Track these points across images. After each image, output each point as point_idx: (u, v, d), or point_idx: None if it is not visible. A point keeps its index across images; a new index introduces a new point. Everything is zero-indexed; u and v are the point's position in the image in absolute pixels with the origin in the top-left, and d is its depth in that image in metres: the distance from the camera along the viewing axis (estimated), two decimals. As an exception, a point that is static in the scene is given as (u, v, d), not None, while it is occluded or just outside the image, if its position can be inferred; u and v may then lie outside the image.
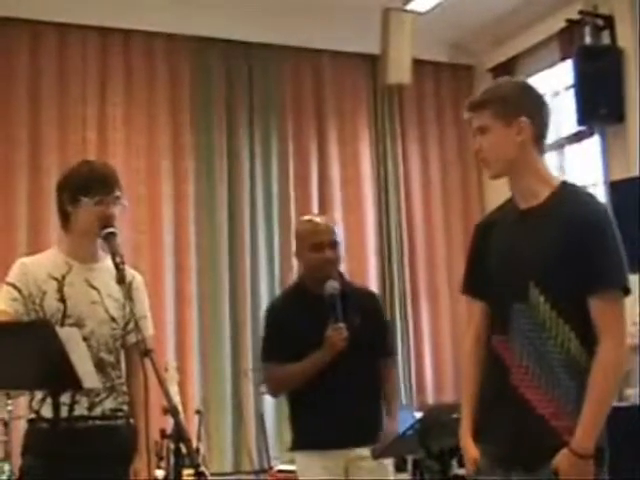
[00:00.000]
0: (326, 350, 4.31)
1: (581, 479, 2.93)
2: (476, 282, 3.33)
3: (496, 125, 3.15)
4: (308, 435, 4.45)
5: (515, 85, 3.35)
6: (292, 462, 4.80)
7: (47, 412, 3.51)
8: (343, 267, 8.66)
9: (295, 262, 8.74)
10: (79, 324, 3.58)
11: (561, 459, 2.94)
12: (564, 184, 3.20)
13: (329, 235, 4.49)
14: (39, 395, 3.62)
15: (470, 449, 3.23)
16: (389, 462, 4.49)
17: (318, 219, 4.69)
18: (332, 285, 4.39)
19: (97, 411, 3.63)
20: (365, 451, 4.27)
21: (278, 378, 4.55)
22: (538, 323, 3.05)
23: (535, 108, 3.21)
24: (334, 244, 4.47)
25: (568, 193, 3.15)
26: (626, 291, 3.04)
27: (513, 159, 3.15)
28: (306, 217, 4.89)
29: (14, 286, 3.65)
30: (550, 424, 3.00)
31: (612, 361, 2.97)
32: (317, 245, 4.45)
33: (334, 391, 4.31)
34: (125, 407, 3.73)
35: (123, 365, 3.82)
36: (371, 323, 4.47)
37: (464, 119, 3.30)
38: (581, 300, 3.00)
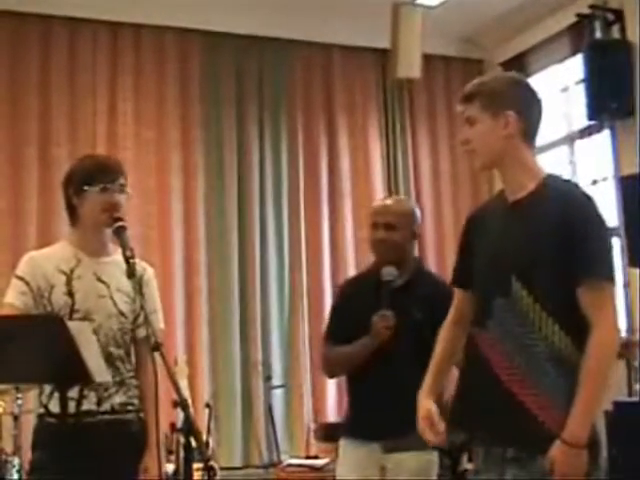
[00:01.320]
0: (371, 337, 4.26)
1: (575, 470, 2.91)
2: (466, 274, 3.33)
3: (483, 117, 3.16)
4: (353, 423, 4.45)
5: (505, 79, 3.37)
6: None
7: (55, 407, 3.51)
8: (352, 259, 8.83)
9: (304, 255, 8.82)
10: (87, 318, 3.58)
11: (555, 451, 2.92)
12: (549, 176, 3.20)
13: (383, 216, 4.43)
14: (47, 390, 3.63)
15: (425, 404, 3.30)
16: (433, 472, 4.38)
17: (386, 200, 4.75)
18: (388, 271, 4.33)
19: (106, 406, 3.62)
20: (410, 459, 4.21)
21: (328, 359, 4.57)
22: (521, 317, 3.04)
23: (524, 103, 3.21)
24: (388, 226, 4.38)
25: (552, 185, 3.15)
26: (612, 280, 3.04)
27: (499, 151, 3.16)
28: (378, 199, 4.90)
29: (23, 280, 3.66)
30: (539, 418, 2.98)
31: (604, 350, 2.96)
32: (372, 225, 4.46)
33: (384, 384, 4.26)
34: (135, 401, 3.73)
35: (133, 359, 3.83)
36: (435, 314, 4.37)
37: (457, 112, 3.32)
38: (565, 291, 2.99)
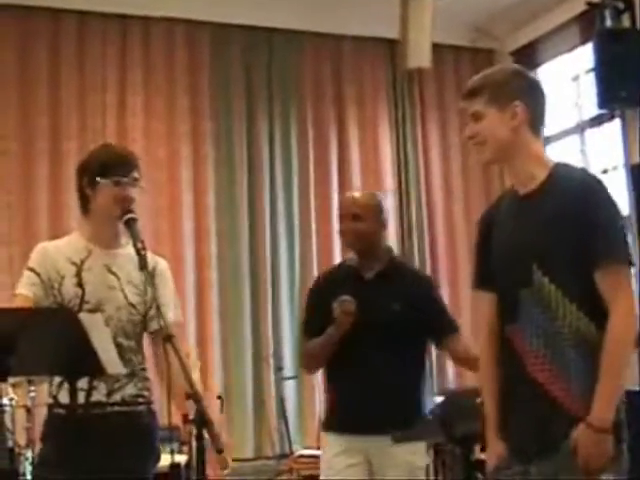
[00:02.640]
0: (334, 326, 4.25)
1: (600, 453, 2.92)
2: (486, 275, 3.33)
3: (490, 111, 3.16)
4: (332, 417, 4.45)
5: (508, 70, 3.36)
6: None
7: (64, 398, 3.53)
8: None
9: (315, 247, 8.82)
10: (97, 309, 3.58)
11: (579, 434, 2.93)
12: (558, 164, 3.20)
13: (350, 207, 4.48)
14: (56, 380, 3.63)
15: (497, 447, 3.22)
16: (423, 461, 4.42)
17: (352, 193, 4.81)
18: (350, 258, 4.45)
19: (116, 397, 3.62)
20: (397, 447, 4.18)
21: (305, 353, 4.61)
22: (545, 305, 3.05)
23: (529, 92, 3.21)
24: (354, 216, 4.42)
25: (563, 173, 3.16)
26: (630, 263, 3.05)
27: (507, 144, 3.16)
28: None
29: (34, 271, 3.67)
30: (565, 406, 2.99)
31: (623, 333, 2.96)
32: (340, 216, 4.54)
33: (365, 375, 4.25)
34: (146, 393, 3.73)
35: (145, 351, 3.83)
36: (416, 307, 4.36)
37: (461, 108, 3.31)
38: (586, 277, 3.00)
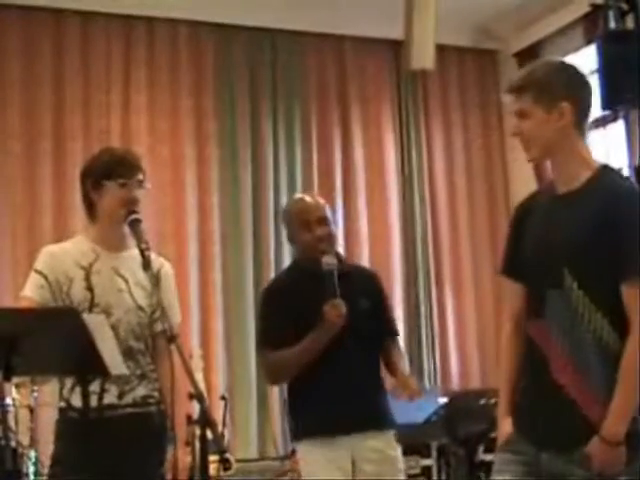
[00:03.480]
0: (323, 328, 4.10)
1: (613, 466, 2.91)
2: (515, 264, 3.28)
3: (536, 110, 3.09)
4: (309, 422, 4.23)
5: (555, 68, 3.25)
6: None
7: (77, 401, 3.53)
8: (366, 252, 8.83)
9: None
10: (106, 312, 3.58)
11: (592, 447, 2.92)
12: (603, 168, 3.15)
13: (317, 212, 4.31)
14: (69, 384, 3.63)
15: (504, 424, 3.21)
16: (398, 452, 4.32)
17: (306, 197, 4.52)
18: (328, 261, 4.18)
19: (128, 399, 3.63)
20: (372, 439, 4.13)
21: (275, 364, 4.29)
22: (571, 309, 3.01)
23: (576, 90, 3.14)
24: (323, 220, 4.29)
25: (606, 178, 3.10)
26: None
27: (553, 144, 3.10)
28: (294, 197, 4.75)
29: (41, 274, 3.67)
30: (583, 411, 2.98)
31: None
32: (306, 223, 4.27)
33: (335, 375, 4.14)
34: (156, 394, 3.73)
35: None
36: (375, 305, 4.32)
37: (504, 102, 3.27)
38: (614, 287, 2.96)
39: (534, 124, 3.11)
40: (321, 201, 4.44)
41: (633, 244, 2.95)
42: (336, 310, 4.09)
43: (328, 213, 4.36)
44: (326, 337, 4.11)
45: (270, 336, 4.30)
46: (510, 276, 3.33)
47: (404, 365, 4.40)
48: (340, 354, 4.14)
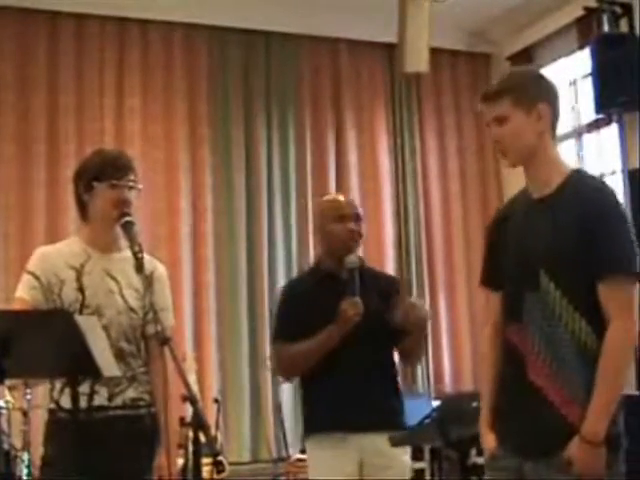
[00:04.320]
0: (339, 324, 4.15)
1: (594, 466, 2.92)
2: (493, 274, 3.33)
3: (516, 113, 3.13)
4: (319, 418, 4.29)
5: (531, 73, 3.37)
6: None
7: (66, 402, 3.53)
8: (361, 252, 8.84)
9: (312, 251, 8.81)
10: (97, 314, 3.58)
11: (573, 447, 2.93)
12: (575, 172, 3.19)
13: (352, 208, 4.43)
14: (58, 385, 3.64)
15: (488, 439, 3.23)
16: (407, 455, 4.36)
17: (339, 195, 4.68)
18: (352, 259, 4.29)
19: (117, 401, 3.63)
20: (380, 440, 4.11)
21: (288, 357, 4.35)
22: (549, 311, 3.04)
23: (551, 95, 3.19)
24: (357, 217, 4.40)
25: (578, 180, 3.14)
26: (636, 276, 3.03)
27: (533, 147, 3.13)
28: (327, 196, 4.83)
29: (33, 274, 3.67)
30: (561, 412, 3.00)
31: (621, 346, 2.96)
32: (341, 217, 4.37)
33: (348, 373, 4.19)
34: (147, 396, 3.73)
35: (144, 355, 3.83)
36: (390, 304, 4.29)
37: (478, 111, 3.29)
38: (591, 287, 2.99)
39: (515, 127, 3.14)
40: (353, 201, 4.60)
41: (608, 243, 2.99)
42: (353, 308, 4.16)
43: (361, 213, 4.47)
44: (339, 333, 4.17)
45: (285, 331, 4.38)
46: (489, 286, 3.37)
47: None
48: (353, 352, 4.19)
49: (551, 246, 3.05)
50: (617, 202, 3.09)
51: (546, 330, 3.05)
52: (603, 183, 3.21)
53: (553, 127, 3.18)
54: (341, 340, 4.17)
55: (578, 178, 3.15)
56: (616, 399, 2.98)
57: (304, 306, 4.31)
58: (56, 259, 3.70)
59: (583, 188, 3.09)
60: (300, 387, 4.51)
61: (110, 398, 3.62)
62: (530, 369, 3.07)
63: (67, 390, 3.50)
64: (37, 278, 3.65)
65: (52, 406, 3.66)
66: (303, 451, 7.42)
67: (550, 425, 3.01)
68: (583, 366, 2.99)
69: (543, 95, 3.15)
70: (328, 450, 4.19)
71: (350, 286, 4.22)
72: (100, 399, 3.60)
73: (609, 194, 3.10)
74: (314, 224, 4.60)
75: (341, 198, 4.59)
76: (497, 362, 3.27)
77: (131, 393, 3.67)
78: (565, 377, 3.01)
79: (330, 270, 4.37)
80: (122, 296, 3.70)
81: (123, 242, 3.75)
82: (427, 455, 6.26)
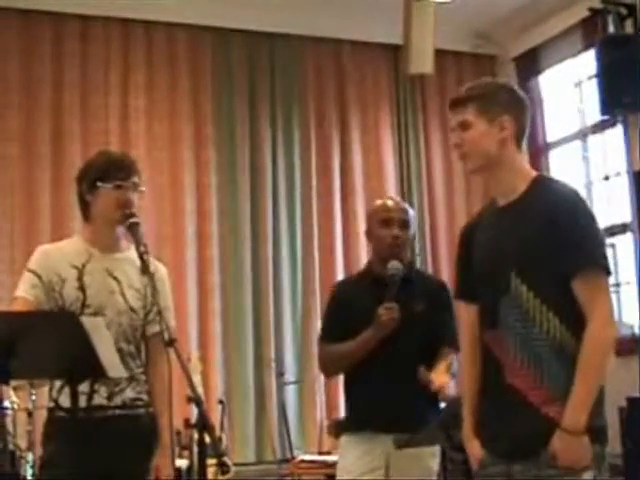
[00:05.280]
0: (375, 329, 4.23)
1: (579, 456, 2.97)
2: (468, 286, 3.38)
3: (479, 121, 3.21)
4: (353, 417, 4.46)
5: (499, 84, 3.42)
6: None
7: (65, 401, 3.54)
8: (364, 255, 8.83)
9: (317, 252, 8.83)
10: (98, 313, 3.60)
11: (555, 440, 2.97)
12: (539, 177, 3.28)
13: (399, 213, 4.47)
14: (57, 384, 3.65)
15: (473, 447, 3.27)
16: (435, 459, 4.36)
17: (391, 199, 4.69)
18: (395, 265, 4.33)
19: (117, 400, 3.64)
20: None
21: (328, 357, 4.53)
22: (523, 312, 3.09)
23: (517, 108, 3.28)
24: (404, 223, 4.43)
25: (543, 184, 3.23)
26: (607, 271, 3.10)
27: (493, 155, 3.21)
28: (378, 199, 4.86)
29: (34, 273, 3.67)
30: (541, 411, 3.03)
31: (600, 339, 3.00)
32: (386, 221, 4.43)
33: (385, 376, 4.26)
34: (145, 396, 3.74)
35: (143, 355, 3.83)
36: (436, 313, 4.40)
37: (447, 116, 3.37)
38: (563, 286, 3.05)
39: (476, 135, 3.22)
40: (405, 206, 4.60)
41: (578, 239, 3.05)
42: (389, 313, 4.23)
43: (410, 219, 4.50)
44: (376, 337, 4.26)
45: (329, 331, 4.55)
46: (465, 299, 3.43)
47: (443, 362, 4.34)
48: (393, 355, 4.26)
49: (520, 248, 3.11)
50: (583, 201, 3.18)
51: (521, 332, 3.09)
52: (568, 186, 3.27)
53: (518, 137, 3.25)
54: (382, 343, 4.25)
55: (542, 182, 3.25)
56: (596, 391, 3.02)
57: (349, 308, 4.42)
58: (58, 258, 3.71)
59: (548, 190, 3.18)
60: (343, 385, 4.60)
61: (109, 397, 3.63)
62: (508, 372, 3.11)
63: (66, 389, 3.51)
64: (38, 276, 3.66)
65: (51, 405, 3.67)
66: (307, 452, 7.46)
67: (532, 426, 3.04)
68: (560, 365, 3.04)
69: (508, 108, 3.24)
70: (357, 446, 4.32)
71: (390, 291, 4.28)
72: (99, 398, 3.62)
73: (575, 194, 3.18)
74: (366, 225, 4.64)
75: (389, 202, 4.61)
76: (476, 372, 3.31)
77: (130, 393, 3.69)
78: (543, 377, 3.05)
79: (377, 274, 4.43)
80: (123, 296, 3.70)
81: (125, 242, 3.77)
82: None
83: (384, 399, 4.26)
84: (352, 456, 4.34)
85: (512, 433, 3.07)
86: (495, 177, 3.27)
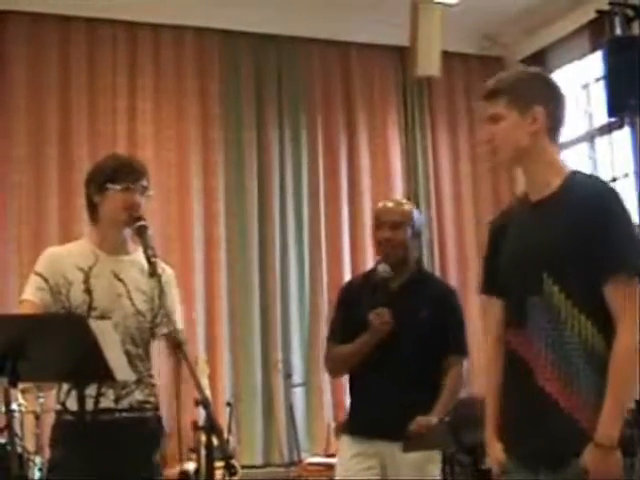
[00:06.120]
0: (369, 334, 4.26)
1: (610, 471, 2.86)
2: (494, 281, 3.29)
3: (510, 113, 3.10)
4: (351, 420, 4.47)
5: (530, 74, 3.28)
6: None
7: (72, 404, 3.53)
8: (372, 258, 8.83)
9: (324, 254, 8.83)
10: (105, 316, 3.58)
11: (588, 455, 2.87)
12: (574, 173, 3.13)
13: (390, 215, 4.45)
14: (65, 387, 3.63)
15: (495, 450, 3.19)
16: (437, 468, 4.33)
17: (387, 202, 4.66)
18: (383, 268, 4.35)
19: (124, 403, 3.63)
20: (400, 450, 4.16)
21: (331, 358, 4.59)
22: (554, 314, 2.98)
23: (550, 98, 3.14)
24: (395, 225, 4.40)
25: (578, 181, 3.09)
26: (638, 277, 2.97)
27: (525, 148, 3.09)
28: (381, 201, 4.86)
29: (41, 276, 3.67)
30: (573, 417, 2.94)
31: (630, 347, 2.89)
32: (378, 225, 4.46)
33: (384, 381, 4.26)
34: (153, 399, 3.73)
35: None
36: (441, 318, 4.37)
37: (478, 109, 3.27)
38: (596, 288, 2.94)
39: (507, 127, 3.11)
40: (401, 207, 4.55)
41: (612, 242, 2.93)
42: (379, 318, 4.24)
43: (404, 220, 4.45)
44: (371, 342, 4.28)
45: (333, 332, 4.59)
46: (491, 293, 3.33)
47: (444, 398, 4.32)
48: (391, 361, 4.27)
49: (553, 248, 3.00)
50: (620, 200, 3.03)
51: (552, 334, 2.99)
52: (604, 183, 3.17)
53: (552, 129, 3.12)
54: (383, 347, 4.25)
55: (578, 178, 3.10)
56: (628, 402, 2.95)
57: (354, 309, 4.43)
58: (65, 260, 3.70)
59: (584, 187, 3.05)
60: (349, 387, 4.63)
61: (117, 400, 3.62)
62: (538, 375, 3.01)
63: (73, 392, 3.50)
64: (45, 279, 3.65)
65: (59, 408, 3.67)
66: (315, 455, 7.45)
67: (563, 431, 2.95)
68: (592, 369, 2.94)
69: (540, 98, 3.10)
70: (352, 447, 4.33)
71: (378, 295, 4.31)
72: (106, 401, 3.60)
73: (611, 193, 3.04)
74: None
75: (382, 204, 4.62)
76: (501, 371, 3.23)
77: (138, 396, 3.67)
78: (575, 381, 2.95)
79: (382, 277, 4.41)
80: (130, 299, 3.70)
81: (132, 245, 3.76)
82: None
83: (382, 404, 4.24)
84: (347, 456, 4.35)
85: (541, 437, 2.99)
86: (527, 171, 3.15)
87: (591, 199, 2.99)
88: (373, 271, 4.52)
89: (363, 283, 4.61)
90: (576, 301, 2.97)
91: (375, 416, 4.26)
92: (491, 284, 3.33)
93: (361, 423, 4.35)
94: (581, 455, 2.89)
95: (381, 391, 4.27)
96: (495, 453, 3.19)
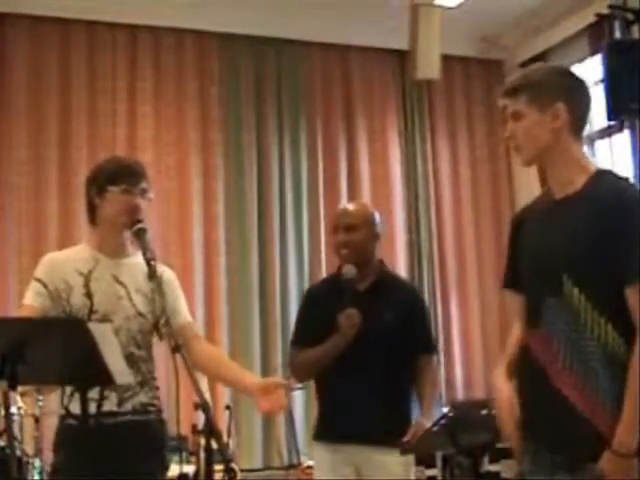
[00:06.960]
0: (338, 337, 4.23)
1: (626, 478, 2.82)
2: (516, 276, 3.23)
3: (530, 111, 3.05)
4: (321, 425, 4.45)
5: (551, 70, 3.22)
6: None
7: (75, 408, 3.53)
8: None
9: (324, 258, 8.82)
10: (106, 319, 3.58)
11: (605, 462, 2.83)
12: (600, 171, 3.08)
13: (343, 218, 4.47)
14: (68, 391, 3.64)
15: (504, 388, 3.14)
16: (411, 470, 4.37)
17: (348, 204, 4.72)
18: (347, 269, 4.35)
19: (127, 406, 3.62)
20: (378, 454, 4.18)
21: (297, 363, 4.55)
22: (573, 316, 2.93)
23: (572, 94, 3.08)
24: (348, 227, 4.40)
25: (604, 180, 3.02)
26: None
27: (547, 146, 3.04)
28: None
29: (40, 281, 3.67)
30: (591, 422, 2.88)
31: None
32: (333, 228, 4.50)
33: (351, 384, 4.24)
34: (156, 401, 3.73)
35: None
36: (407, 318, 4.37)
37: (499, 106, 3.21)
38: (618, 291, 2.87)
39: (528, 125, 3.06)
40: (356, 209, 4.55)
41: (634, 246, 2.86)
42: (349, 320, 4.22)
43: (357, 222, 4.43)
44: (339, 345, 4.25)
45: (299, 337, 4.55)
46: (512, 288, 3.28)
47: (428, 400, 4.37)
48: (359, 364, 4.25)
49: (574, 249, 2.94)
50: None
51: (571, 336, 2.94)
52: (629, 183, 3.12)
53: (575, 126, 3.07)
54: (350, 349, 4.22)
55: (603, 178, 3.04)
56: None
57: (319, 313, 4.41)
58: (64, 265, 3.70)
59: (608, 186, 2.99)
60: (315, 392, 4.60)
61: (119, 403, 3.61)
62: (555, 377, 2.97)
63: (76, 396, 3.50)
64: (44, 285, 3.66)
65: (62, 412, 3.67)
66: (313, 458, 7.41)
67: (581, 435, 2.91)
68: (611, 373, 2.88)
69: (562, 94, 3.04)
70: (326, 454, 4.33)
71: (346, 297, 4.29)
72: (109, 405, 3.59)
73: (635, 195, 2.98)
74: None
75: (339, 208, 4.73)
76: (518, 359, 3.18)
77: (141, 398, 3.67)
78: (593, 385, 2.90)
79: (347, 279, 4.40)
80: (130, 301, 3.70)
81: (131, 248, 3.76)
82: (439, 462, 6.24)
83: (352, 407, 4.23)
84: (322, 464, 4.37)
85: (559, 440, 2.96)
86: (551, 168, 3.09)
87: (615, 201, 2.93)
88: (337, 274, 4.51)
89: (328, 286, 4.61)
90: (597, 303, 2.91)
91: (346, 420, 4.24)
92: (512, 279, 3.28)
93: (332, 428, 4.34)
94: (598, 460, 2.85)
95: (351, 395, 4.25)
96: (504, 391, 3.14)
